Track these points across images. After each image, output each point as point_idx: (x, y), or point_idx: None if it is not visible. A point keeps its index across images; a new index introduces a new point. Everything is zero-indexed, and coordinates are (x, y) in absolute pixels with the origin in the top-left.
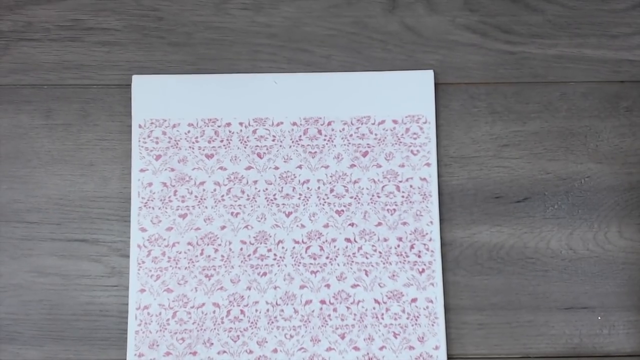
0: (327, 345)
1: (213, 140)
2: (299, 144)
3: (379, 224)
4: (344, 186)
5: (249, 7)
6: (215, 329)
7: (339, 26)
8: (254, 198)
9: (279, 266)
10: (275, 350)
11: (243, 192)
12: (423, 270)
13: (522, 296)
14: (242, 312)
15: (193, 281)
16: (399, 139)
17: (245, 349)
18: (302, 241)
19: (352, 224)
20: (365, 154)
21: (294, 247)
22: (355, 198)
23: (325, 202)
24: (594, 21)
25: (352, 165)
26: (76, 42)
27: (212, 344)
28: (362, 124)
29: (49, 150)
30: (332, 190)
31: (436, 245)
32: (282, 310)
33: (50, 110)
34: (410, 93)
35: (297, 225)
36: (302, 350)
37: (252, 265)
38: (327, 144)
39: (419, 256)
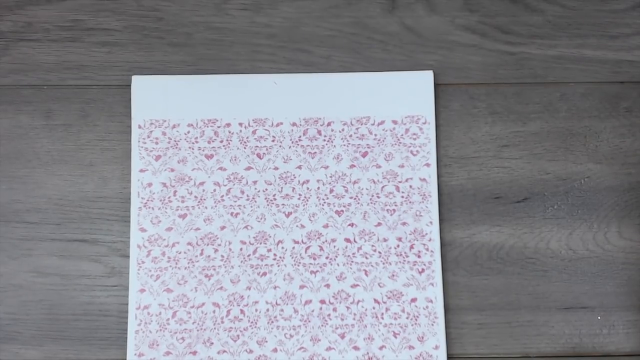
0: (327, 345)
1: (213, 141)
2: (298, 145)
3: (379, 224)
4: (344, 186)
5: (249, 7)
6: (215, 328)
7: (338, 26)
8: (253, 198)
9: (278, 266)
10: (275, 350)
11: (243, 192)
12: (423, 270)
13: (522, 296)
14: (242, 311)
15: (193, 281)
16: (398, 140)
17: (245, 349)
18: (302, 241)
19: (351, 224)
20: (364, 155)
21: (293, 247)
22: (354, 198)
23: (324, 202)
24: (594, 22)
25: (352, 166)
26: (76, 43)
27: (212, 343)
28: (361, 124)
29: (48, 150)
30: (331, 191)
31: (436, 245)
32: (282, 310)
33: (50, 111)
34: (409, 93)
35: (297, 226)
36: (302, 349)
37: (252, 265)
38: (326, 144)
39: (419, 256)
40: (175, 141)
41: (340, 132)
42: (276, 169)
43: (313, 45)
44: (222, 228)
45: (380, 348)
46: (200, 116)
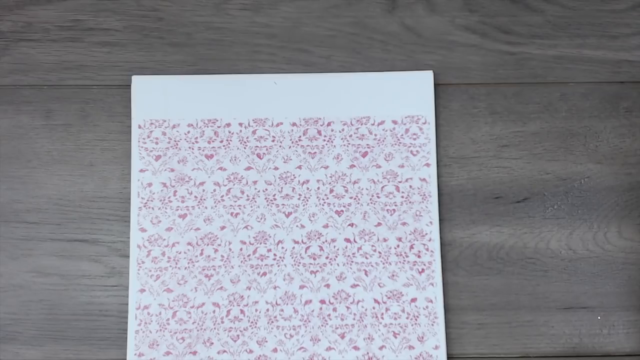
0: (327, 345)
1: (213, 141)
2: (298, 145)
3: (379, 224)
4: (344, 186)
5: (249, 7)
6: (215, 328)
7: (338, 26)
8: (253, 198)
9: (278, 266)
10: (275, 350)
11: (243, 192)
12: (423, 270)
13: (522, 296)
14: (242, 311)
15: (193, 281)
16: (398, 140)
17: (245, 349)
18: (302, 241)
19: (351, 224)
20: (364, 155)
21: (293, 247)
22: (354, 198)
23: (324, 202)
24: (594, 22)
25: (352, 166)
26: (76, 43)
27: (212, 343)
28: (361, 124)
29: (48, 150)
30: (331, 191)
31: (436, 245)
32: (282, 310)
33: (50, 111)
34: (409, 94)
35: (297, 226)
36: (302, 349)
37: (252, 265)
38: (326, 144)
39: (419, 256)
40: (175, 141)
41: (340, 132)
42: (276, 169)
43: (313, 45)
44: (222, 228)
45: (380, 348)
46: (200, 116)
